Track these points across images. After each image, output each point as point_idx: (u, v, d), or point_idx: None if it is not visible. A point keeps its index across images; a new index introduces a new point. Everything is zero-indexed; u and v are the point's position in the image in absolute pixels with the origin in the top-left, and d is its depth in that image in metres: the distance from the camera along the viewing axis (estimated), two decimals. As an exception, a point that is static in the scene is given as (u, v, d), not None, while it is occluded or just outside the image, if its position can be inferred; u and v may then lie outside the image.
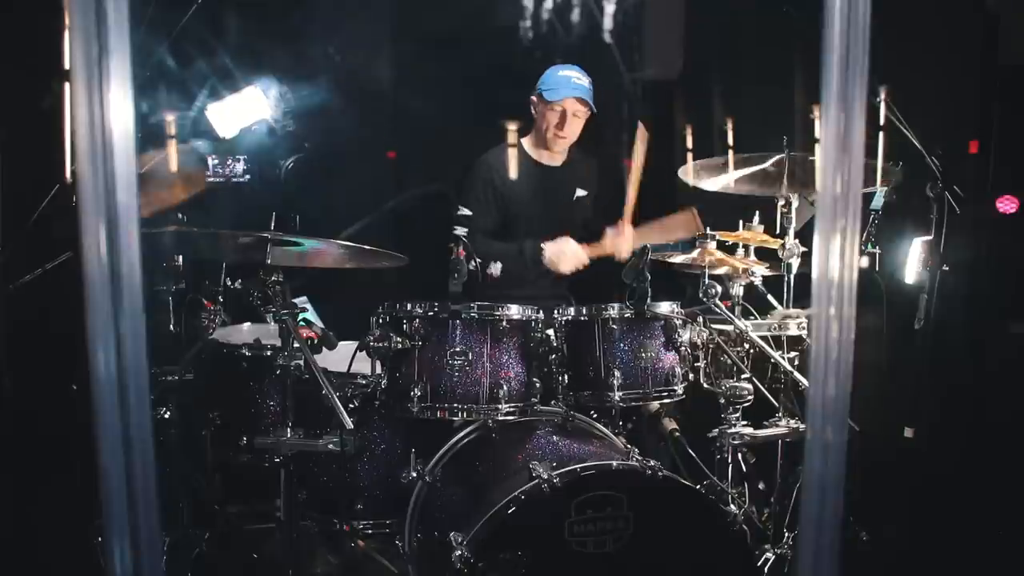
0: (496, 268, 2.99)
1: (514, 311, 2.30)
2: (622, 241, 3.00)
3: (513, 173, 3.16)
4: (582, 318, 2.38)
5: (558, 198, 3.23)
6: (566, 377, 2.39)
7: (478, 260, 2.58)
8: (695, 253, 2.60)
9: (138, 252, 0.81)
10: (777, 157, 2.72)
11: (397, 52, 3.91)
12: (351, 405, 2.38)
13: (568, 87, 3.05)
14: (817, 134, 3.01)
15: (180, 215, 2.52)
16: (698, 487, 2.24)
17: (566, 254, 2.98)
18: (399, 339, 2.25)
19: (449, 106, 3.93)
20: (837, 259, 0.91)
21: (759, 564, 2.50)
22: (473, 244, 2.71)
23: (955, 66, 3.35)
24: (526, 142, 3.24)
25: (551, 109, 3.08)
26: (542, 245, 3.00)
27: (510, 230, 3.15)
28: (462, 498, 2.28)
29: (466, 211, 3.09)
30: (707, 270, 2.51)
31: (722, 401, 2.44)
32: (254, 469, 2.47)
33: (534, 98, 3.16)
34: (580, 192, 3.26)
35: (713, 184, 2.91)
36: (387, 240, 3.08)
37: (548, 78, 3.11)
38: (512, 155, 3.21)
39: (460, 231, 3.08)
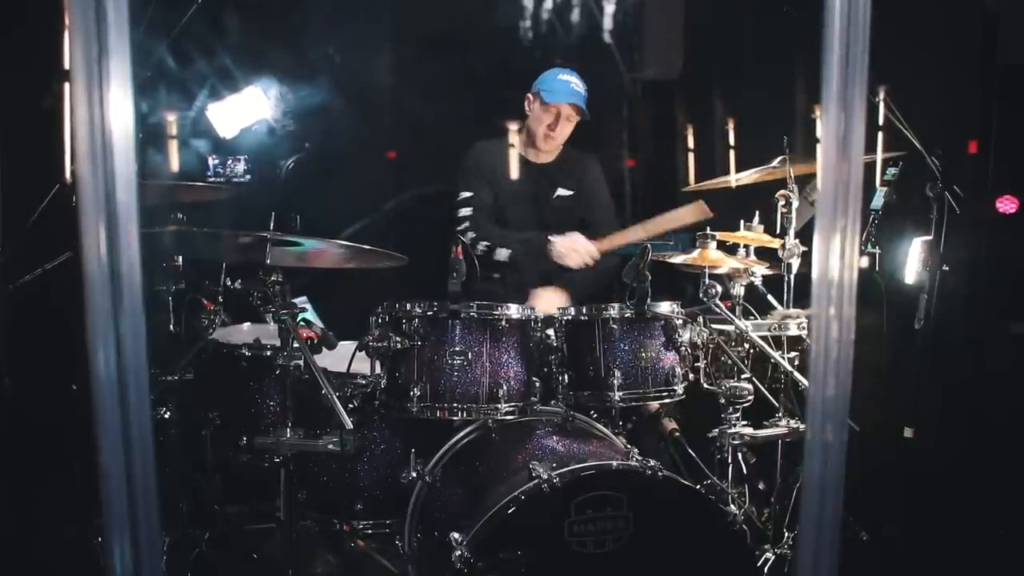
0: (503, 253, 3.01)
1: (514, 311, 2.30)
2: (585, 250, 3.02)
3: (501, 166, 3.21)
4: (582, 318, 2.38)
5: (540, 196, 3.26)
6: (566, 377, 2.39)
7: (485, 245, 2.58)
8: (695, 253, 2.60)
9: (138, 252, 0.81)
10: (776, 166, 2.72)
11: (397, 52, 3.91)
12: (351, 405, 2.38)
13: (566, 92, 3.11)
14: (817, 134, 3.02)
15: (180, 215, 2.52)
16: (698, 487, 2.24)
17: (577, 250, 3.00)
18: (398, 339, 2.24)
19: (449, 106, 3.93)
20: (837, 259, 0.91)
21: (759, 564, 2.50)
22: (478, 226, 2.73)
23: (955, 66, 3.35)
24: (517, 139, 3.28)
25: (547, 110, 3.14)
26: (550, 237, 3.02)
27: (496, 220, 3.18)
28: (462, 498, 2.28)
29: (466, 193, 3.15)
30: (707, 270, 2.50)
31: (722, 401, 2.44)
32: (254, 469, 2.47)
33: (530, 96, 3.21)
34: (562, 191, 3.27)
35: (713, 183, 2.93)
36: (387, 240, 3.09)
37: (547, 80, 3.15)
38: (501, 148, 3.26)
39: (465, 211, 3.12)
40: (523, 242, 3.07)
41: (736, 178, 2.97)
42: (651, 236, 3.00)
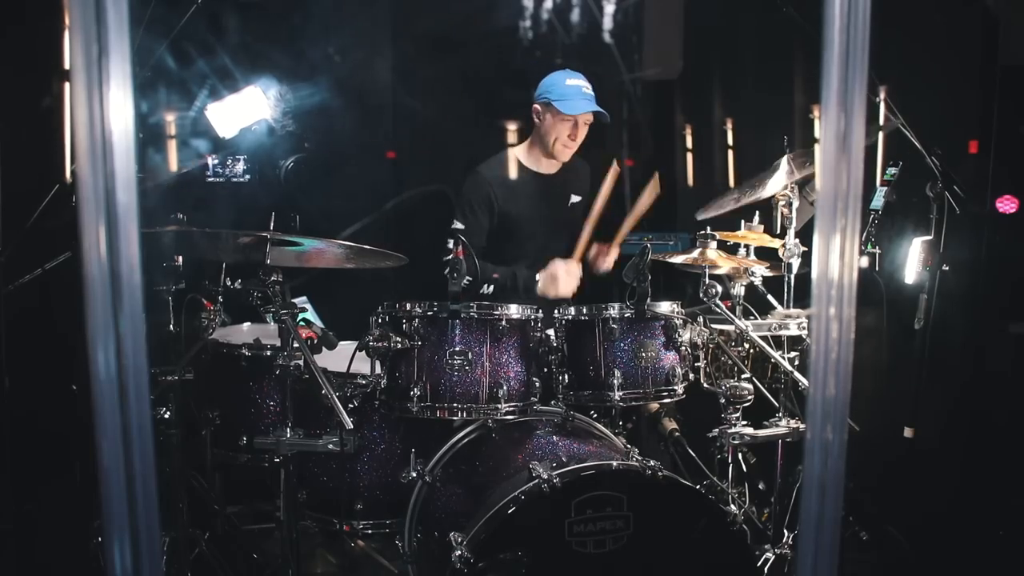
0: (489, 289, 2.97)
1: (514, 311, 2.30)
2: (605, 260, 3.09)
3: (510, 184, 3.14)
4: (582, 318, 2.38)
5: (553, 205, 3.19)
6: (566, 377, 2.39)
7: (468, 280, 2.58)
8: (695, 253, 2.60)
9: (138, 252, 0.81)
10: (781, 169, 2.71)
11: (397, 52, 3.92)
12: (351, 405, 2.38)
13: (583, 99, 2.99)
14: (817, 134, 3.02)
15: (180, 215, 2.52)
16: (698, 487, 2.24)
17: (559, 278, 2.95)
18: (399, 339, 2.25)
19: (449, 106, 3.94)
20: (837, 259, 0.91)
21: (759, 564, 2.50)
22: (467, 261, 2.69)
23: (955, 66, 3.35)
24: (521, 150, 3.19)
25: (563, 120, 3.01)
26: (536, 276, 2.98)
27: (507, 241, 3.13)
28: (462, 498, 2.28)
29: (459, 224, 3.05)
30: (707, 270, 2.51)
31: (722, 401, 2.44)
32: (254, 469, 2.48)
33: (538, 106, 3.07)
34: (575, 198, 3.23)
35: (724, 209, 2.93)
36: (387, 240, 3.09)
37: (556, 88, 3.02)
38: (508, 166, 3.19)
39: (452, 244, 3.08)
40: (510, 280, 2.99)
41: (743, 194, 2.94)
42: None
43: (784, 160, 2.69)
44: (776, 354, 2.49)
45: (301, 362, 2.22)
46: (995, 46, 3.30)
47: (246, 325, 2.90)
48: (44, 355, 2.71)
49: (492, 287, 2.97)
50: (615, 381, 2.30)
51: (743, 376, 2.48)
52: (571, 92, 3.00)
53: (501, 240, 3.11)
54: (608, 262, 3.15)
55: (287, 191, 3.47)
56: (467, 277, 2.28)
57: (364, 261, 2.62)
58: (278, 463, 2.22)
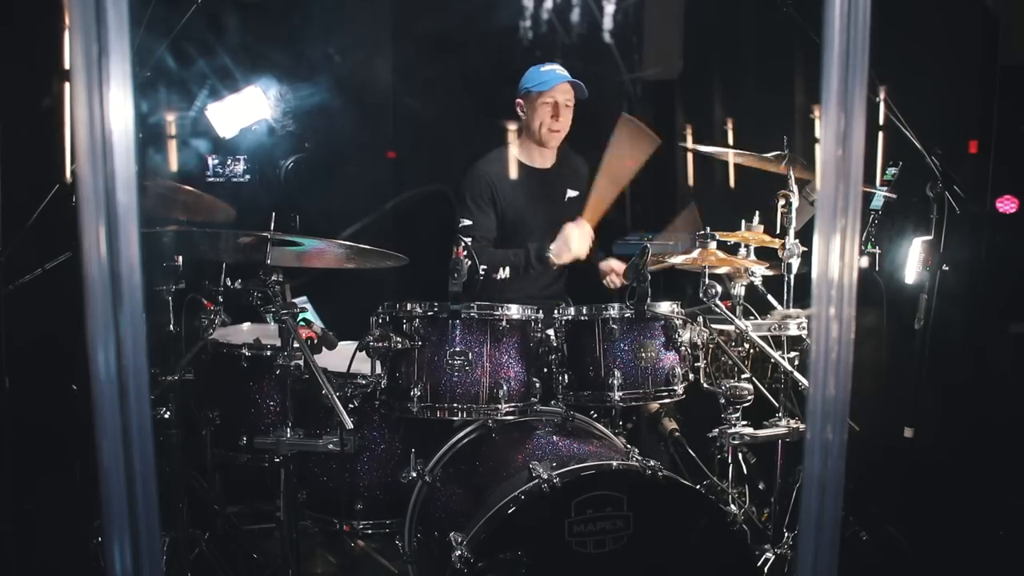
0: (504, 272, 2.98)
1: (514, 311, 2.30)
2: (580, 235, 2.95)
3: (508, 179, 3.15)
4: (582, 318, 2.38)
5: (551, 200, 3.21)
6: (566, 377, 2.39)
7: (483, 269, 2.58)
8: (695, 253, 2.60)
9: (138, 252, 0.81)
10: (777, 153, 2.72)
11: (397, 52, 3.92)
12: (351, 405, 2.38)
13: (556, 77, 3.05)
14: (817, 134, 3.01)
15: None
16: (698, 487, 2.24)
17: (572, 238, 2.93)
18: (399, 339, 2.25)
19: (449, 106, 3.94)
20: (837, 259, 0.91)
21: (759, 564, 2.50)
22: (478, 254, 2.69)
23: (955, 66, 3.35)
24: (515, 146, 3.22)
25: (543, 103, 3.07)
26: (549, 247, 2.98)
27: (507, 235, 3.14)
28: (462, 498, 2.28)
29: (467, 221, 3.06)
30: (707, 270, 2.50)
31: (722, 401, 2.43)
32: (254, 469, 2.48)
33: (520, 100, 3.14)
34: (571, 192, 3.25)
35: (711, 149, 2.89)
36: (387, 240, 3.09)
37: (532, 77, 3.10)
38: (505, 161, 3.20)
39: (465, 240, 3.07)
40: (521, 258, 2.99)
41: (733, 152, 2.94)
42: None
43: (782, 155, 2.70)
44: (776, 354, 2.49)
45: (301, 362, 2.22)
46: (995, 46, 3.30)
47: (246, 325, 2.90)
48: (44, 355, 2.71)
49: (507, 269, 2.97)
50: (615, 381, 2.30)
51: (743, 376, 2.48)
52: (545, 75, 3.08)
53: (500, 235, 3.12)
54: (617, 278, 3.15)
55: (287, 191, 3.47)
56: (481, 268, 2.27)
57: (364, 261, 2.62)
58: (278, 463, 2.22)
